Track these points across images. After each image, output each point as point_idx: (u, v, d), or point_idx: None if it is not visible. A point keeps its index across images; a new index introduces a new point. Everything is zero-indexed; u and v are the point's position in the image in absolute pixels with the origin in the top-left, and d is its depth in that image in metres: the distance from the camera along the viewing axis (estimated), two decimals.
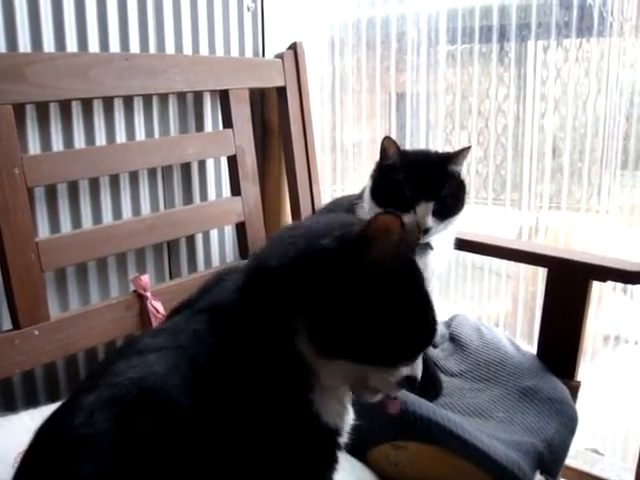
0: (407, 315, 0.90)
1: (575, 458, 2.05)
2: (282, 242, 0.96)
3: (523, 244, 1.81)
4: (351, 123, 2.47)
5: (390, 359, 0.92)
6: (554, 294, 1.69)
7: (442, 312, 2.08)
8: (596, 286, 1.67)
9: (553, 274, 1.69)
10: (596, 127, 2.07)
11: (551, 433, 1.47)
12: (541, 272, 2.09)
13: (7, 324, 1.53)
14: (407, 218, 1.47)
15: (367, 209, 1.55)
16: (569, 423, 1.53)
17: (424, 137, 2.33)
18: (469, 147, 1.53)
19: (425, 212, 1.46)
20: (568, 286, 1.66)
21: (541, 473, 1.39)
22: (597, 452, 2.17)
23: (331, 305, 0.87)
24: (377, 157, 1.58)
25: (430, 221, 1.46)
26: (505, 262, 2.25)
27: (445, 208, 1.49)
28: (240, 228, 1.97)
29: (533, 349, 1.78)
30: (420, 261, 1.50)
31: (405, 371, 0.94)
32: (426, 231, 1.47)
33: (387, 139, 1.50)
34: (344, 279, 0.87)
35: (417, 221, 1.47)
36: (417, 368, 0.96)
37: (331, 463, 0.95)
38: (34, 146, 1.60)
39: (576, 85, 2.08)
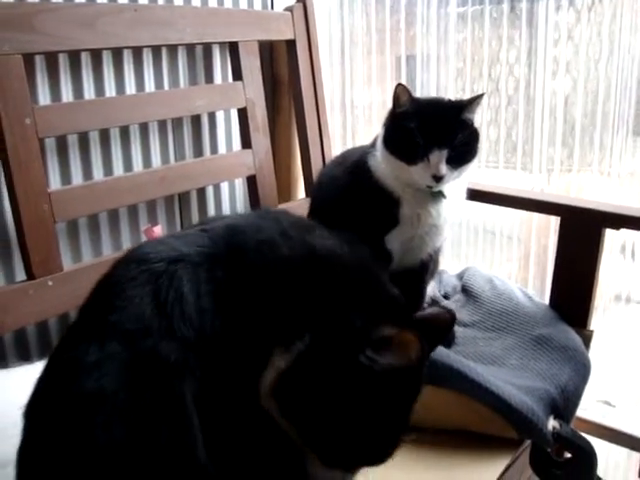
0: (377, 427, 0.89)
1: (586, 410, 2.05)
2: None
3: (536, 193, 1.80)
4: (360, 84, 2.45)
5: (341, 461, 0.91)
6: (567, 243, 1.69)
7: (454, 266, 2.08)
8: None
9: (566, 223, 1.69)
10: (608, 91, 2.05)
11: (564, 380, 1.47)
12: (553, 225, 2.10)
13: (21, 275, 1.54)
14: (420, 166, 1.46)
15: (380, 158, 1.54)
16: (582, 370, 1.53)
17: None
18: (482, 94, 1.51)
19: (439, 160, 1.45)
20: (581, 234, 1.65)
21: (554, 418, 1.39)
22: (608, 404, 2.18)
23: (313, 379, 0.86)
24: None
25: (444, 169, 1.45)
26: (516, 224, 2.25)
27: (459, 156, 1.47)
28: (251, 181, 1.97)
29: (545, 301, 1.78)
30: (433, 209, 1.52)
31: (339, 475, 0.94)
32: (439, 179, 1.46)
33: (400, 86, 1.48)
34: (345, 370, 0.86)
35: (430, 169, 1.46)
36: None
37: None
38: (44, 97, 1.59)
39: (587, 47, 2.06)
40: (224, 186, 2.03)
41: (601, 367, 1.90)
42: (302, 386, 0.86)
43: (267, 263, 0.90)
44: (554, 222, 2.10)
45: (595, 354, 1.65)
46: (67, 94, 1.64)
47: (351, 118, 2.51)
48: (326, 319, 0.87)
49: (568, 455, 1.45)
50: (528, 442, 1.43)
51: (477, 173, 1.56)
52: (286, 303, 0.87)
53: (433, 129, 1.45)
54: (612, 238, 2.04)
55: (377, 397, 0.87)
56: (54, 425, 0.79)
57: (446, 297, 1.86)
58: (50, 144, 1.61)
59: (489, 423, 1.38)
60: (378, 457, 0.92)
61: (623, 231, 1.67)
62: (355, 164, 1.62)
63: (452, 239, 2.32)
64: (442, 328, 0.95)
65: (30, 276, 1.47)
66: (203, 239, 0.93)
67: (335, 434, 0.87)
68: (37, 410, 0.85)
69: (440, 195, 1.53)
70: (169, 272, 0.85)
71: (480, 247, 2.36)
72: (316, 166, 2.06)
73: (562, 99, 2.12)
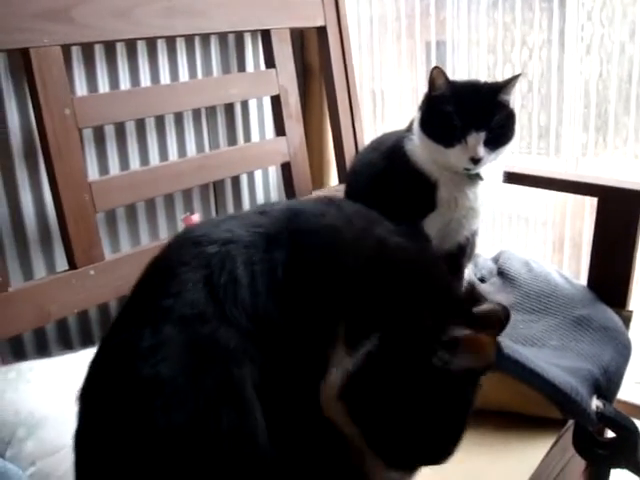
0: (451, 424, 0.89)
1: (624, 391, 2.05)
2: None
3: (572, 175, 1.80)
4: (390, 70, 2.45)
5: (405, 462, 0.91)
6: (604, 223, 1.68)
7: (489, 248, 2.07)
8: None
9: (603, 203, 1.68)
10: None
11: (606, 360, 1.46)
12: (588, 208, 2.08)
13: (61, 265, 1.56)
14: (458, 149, 1.46)
15: (417, 142, 1.54)
16: (623, 350, 1.53)
17: None
18: (518, 75, 1.50)
19: (476, 142, 1.44)
20: (619, 214, 1.65)
21: (598, 398, 1.39)
22: None
23: (385, 381, 0.85)
24: (417, 106, 1.58)
25: (482, 151, 1.45)
26: (550, 209, 2.24)
27: (496, 138, 1.47)
28: (285, 168, 1.97)
29: (583, 283, 1.77)
30: (471, 192, 1.52)
31: (397, 476, 0.93)
32: (477, 161, 1.45)
33: (436, 69, 1.48)
34: (419, 372, 0.85)
35: (468, 151, 1.45)
36: None
37: None
38: (81, 88, 1.61)
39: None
40: (258, 174, 2.04)
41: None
42: (372, 388, 0.85)
43: (333, 249, 0.89)
44: (589, 205, 2.09)
45: (635, 336, 1.64)
46: (103, 85, 1.65)
47: (381, 104, 2.50)
48: (396, 318, 0.86)
49: (610, 435, 1.45)
50: (571, 422, 1.43)
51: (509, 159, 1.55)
52: (352, 297, 0.86)
53: (470, 111, 1.45)
54: None
55: (449, 398, 0.86)
56: (112, 409, 0.80)
57: (482, 280, 1.86)
58: (87, 135, 1.63)
59: (533, 404, 1.38)
60: (443, 456, 0.91)
61: None
62: (391, 149, 1.63)
63: (486, 225, 2.32)
64: (498, 324, 0.94)
65: (72, 266, 1.49)
66: (260, 219, 0.92)
67: (403, 436, 0.86)
68: (93, 394, 0.85)
69: (477, 178, 1.53)
70: (221, 254, 0.85)
71: (514, 232, 2.35)
72: (349, 152, 2.06)
73: (594, 84, 2.11)
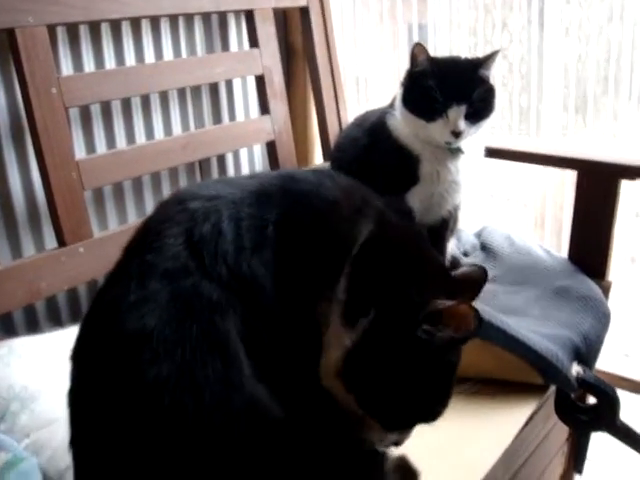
0: (432, 390, 0.92)
1: (612, 364, 2.09)
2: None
3: (552, 149, 1.82)
4: (372, 51, 2.46)
5: (400, 424, 0.95)
6: (584, 196, 1.72)
7: (472, 225, 2.10)
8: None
9: (583, 176, 1.71)
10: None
11: (586, 328, 1.50)
12: (569, 184, 2.12)
13: (50, 244, 1.58)
14: (439, 123, 1.48)
15: (399, 117, 1.56)
16: (603, 319, 1.56)
17: None
18: (498, 51, 1.53)
19: (457, 115, 1.47)
20: (598, 187, 1.68)
21: (578, 364, 1.42)
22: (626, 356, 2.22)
23: (379, 353, 0.88)
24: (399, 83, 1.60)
25: (462, 124, 1.47)
26: (531, 187, 2.27)
27: (477, 111, 1.50)
28: (270, 146, 1.99)
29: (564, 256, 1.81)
30: (452, 166, 1.55)
31: (394, 437, 0.97)
32: (458, 135, 1.48)
33: (417, 45, 1.51)
34: (406, 344, 0.88)
35: (449, 125, 1.48)
36: (407, 438, 0.99)
37: None
38: (67, 68, 1.62)
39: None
40: (243, 152, 2.06)
41: (620, 322, 1.93)
42: (366, 361, 0.88)
43: (331, 217, 0.91)
44: (569, 183, 2.12)
45: (617, 306, 1.67)
46: (89, 64, 1.67)
47: (364, 86, 2.52)
48: (389, 294, 0.89)
49: (592, 402, 1.49)
50: (553, 389, 1.47)
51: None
52: (351, 271, 0.89)
53: (451, 86, 1.48)
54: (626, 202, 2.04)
55: (435, 365, 0.90)
56: (101, 365, 0.81)
57: (465, 255, 1.89)
58: (74, 114, 1.64)
59: (514, 370, 1.41)
60: (433, 415, 0.95)
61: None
62: (374, 125, 1.65)
63: (469, 202, 2.35)
64: (476, 284, 0.97)
65: (62, 243, 1.51)
66: (251, 181, 0.95)
67: (396, 401, 0.90)
68: (83, 353, 0.86)
69: (459, 151, 1.56)
70: (205, 208, 0.87)
71: (496, 209, 2.39)
72: (333, 131, 2.08)
73: (573, 64, 2.14)
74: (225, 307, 0.81)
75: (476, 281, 0.97)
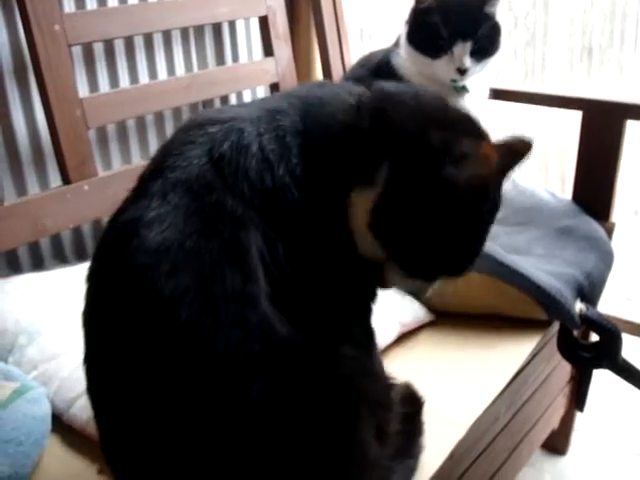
0: (465, 239, 0.92)
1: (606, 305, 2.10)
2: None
3: (557, 90, 1.81)
4: (377, 3, 2.43)
5: (424, 272, 0.94)
6: (589, 137, 1.71)
7: None
8: None
9: (588, 117, 1.70)
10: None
11: (590, 266, 1.51)
12: (573, 129, 2.11)
13: (55, 182, 1.58)
14: (444, 60, 1.48)
15: (404, 55, 1.56)
16: (606, 258, 1.57)
17: None
18: None
19: (462, 52, 1.47)
20: (603, 127, 1.67)
21: (581, 301, 1.43)
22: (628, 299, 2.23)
23: (402, 200, 0.87)
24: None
25: (468, 61, 1.47)
26: (535, 134, 2.25)
27: (482, 48, 1.49)
28: (274, 89, 1.98)
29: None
30: (457, 104, 1.54)
31: (417, 284, 0.97)
32: (464, 72, 1.48)
33: None
34: (430, 187, 0.87)
35: (454, 62, 1.47)
36: (429, 288, 0.99)
37: (372, 291, 0.98)
38: (69, 5, 1.60)
39: None
40: (247, 94, 2.04)
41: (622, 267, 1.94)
42: (391, 208, 0.87)
43: (334, 107, 0.91)
44: (574, 127, 2.12)
45: (617, 256, 1.67)
46: (91, 2, 1.64)
47: (368, 39, 2.49)
48: (402, 142, 0.88)
49: (594, 339, 1.50)
50: (556, 327, 1.48)
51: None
52: (360, 140, 0.88)
53: (456, 22, 1.47)
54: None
55: (459, 210, 0.88)
56: (117, 283, 0.80)
57: None
58: (77, 53, 1.63)
59: (519, 305, 1.42)
60: (456, 269, 0.95)
61: None
62: (379, 64, 1.64)
63: None
64: (519, 155, 0.91)
65: (66, 181, 1.51)
66: (264, 100, 0.95)
67: (420, 245, 0.89)
68: (99, 271, 0.85)
69: (464, 90, 1.55)
70: (225, 129, 0.86)
71: None
72: (336, 73, 2.07)
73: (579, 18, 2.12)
74: (248, 222, 0.80)
75: (520, 151, 0.90)
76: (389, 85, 0.98)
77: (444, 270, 0.95)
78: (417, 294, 1.24)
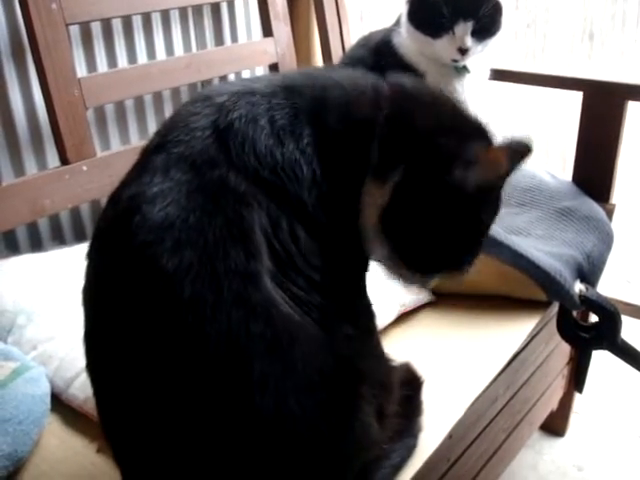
0: (468, 239, 0.94)
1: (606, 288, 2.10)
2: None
3: (558, 70, 1.80)
4: None
5: (426, 268, 0.96)
6: (589, 118, 1.70)
7: None
8: None
9: (589, 97, 1.69)
10: None
11: (590, 247, 1.50)
12: (573, 111, 2.10)
13: (53, 163, 1.58)
14: (445, 39, 1.47)
15: (404, 34, 1.54)
16: (606, 239, 1.57)
17: None
18: None
19: (464, 32, 1.45)
20: (604, 108, 1.66)
21: (581, 282, 1.43)
22: (628, 282, 2.23)
23: (413, 201, 0.88)
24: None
25: (469, 41, 1.46)
26: (535, 116, 2.25)
27: (483, 28, 1.48)
28: (273, 69, 1.97)
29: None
30: (458, 84, 1.53)
31: (425, 280, 1.00)
32: (465, 52, 1.47)
33: None
34: (440, 191, 0.88)
35: (455, 41, 1.46)
36: (433, 281, 1.03)
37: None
38: None
39: None
40: (246, 74, 2.03)
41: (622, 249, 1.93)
42: (400, 207, 0.89)
43: (352, 95, 0.91)
44: (575, 109, 2.11)
45: (617, 239, 1.66)
46: None
47: (368, 22, 2.48)
48: (417, 147, 0.89)
49: (593, 320, 1.50)
50: (555, 308, 1.48)
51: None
52: (378, 138, 0.89)
53: (458, 1, 1.46)
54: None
55: (465, 213, 0.90)
56: (118, 259, 0.80)
57: None
58: (75, 33, 1.61)
59: (518, 286, 1.42)
60: (461, 264, 0.97)
61: None
62: (379, 44, 1.63)
63: None
64: (521, 158, 0.93)
65: (65, 162, 1.50)
66: (276, 75, 0.95)
67: (425, 244, 0.91)
68: (100, 248, 0.85)
69: (464, 70, 1.54)
70: (232, 102, 0.85)
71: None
72: (336, 53, 2.06)
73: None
74: (251, 200, 0.80)
75: (520, 155, 0.92)
76: (407, 83, 0.98)
77: (445, 267, 0.97)
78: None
